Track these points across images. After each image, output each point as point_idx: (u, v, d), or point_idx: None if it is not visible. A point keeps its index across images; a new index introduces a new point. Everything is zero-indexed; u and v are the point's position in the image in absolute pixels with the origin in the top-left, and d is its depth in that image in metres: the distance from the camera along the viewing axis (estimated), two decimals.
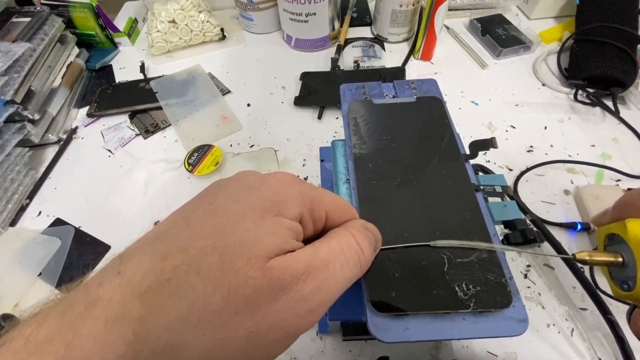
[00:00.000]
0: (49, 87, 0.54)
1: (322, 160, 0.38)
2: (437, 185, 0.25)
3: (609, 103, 0.51)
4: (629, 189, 0.41)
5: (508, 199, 0.26)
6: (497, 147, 0.26)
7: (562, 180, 0.45)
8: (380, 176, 0.26)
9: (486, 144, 0.27)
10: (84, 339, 0.13)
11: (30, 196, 0.48)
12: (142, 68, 0.62)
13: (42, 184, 0.49)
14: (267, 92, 0.59)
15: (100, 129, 0.55)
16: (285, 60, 0.64)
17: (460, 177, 0.26)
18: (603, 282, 0.35)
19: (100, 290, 0.14)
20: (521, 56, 0.61)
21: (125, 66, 0.65)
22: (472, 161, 0.28)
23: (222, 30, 0.66)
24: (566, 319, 0.35)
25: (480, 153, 0.28)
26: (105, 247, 0.43)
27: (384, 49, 0.64)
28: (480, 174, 0.28)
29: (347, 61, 0.62)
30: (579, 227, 0.40)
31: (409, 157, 0.27)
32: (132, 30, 0.68)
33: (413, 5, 0.59)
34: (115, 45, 0.67)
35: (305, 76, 0.59)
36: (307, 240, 0.18)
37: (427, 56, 0.61)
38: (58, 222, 0.45)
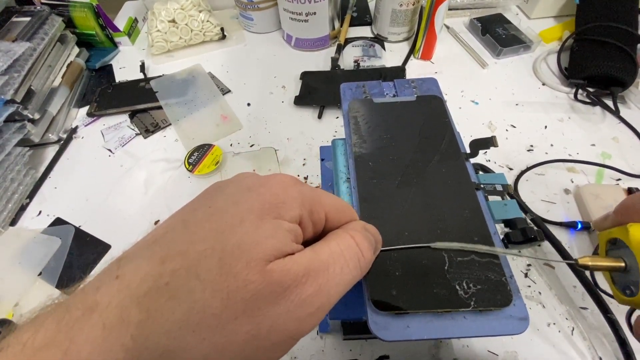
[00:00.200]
0: (49, 87, 0.54)
1: (322, 160, 0.38)
2: (438, 184, 0.25)
3: (609, 102, 0.51)
4: (629, 188, 0.41)
5: (508, 198, 0.26)
6: (497, 146, 0.26)
7: (562, 180, 0.45)
8: (381, 175, 0.26)
9: (486, 143, 0.27)
10: (81, 345, 0.13)
11: (31, 196, 0.48)
12: (142, 68, 0.62)
13: (42, 183, 0.49)
14: (267, 92, 0.59)
15: (100, 129, 0.55)
16: (285, 59, 0.64)
17: (461, 176, 0.26)
18: (603, 281, 0.35)
19: (98, 295, 0.14)
20: (521, 55, 0.61)
21: (125, 66, 0.65)
22: (472, 160, 0.28)
23: (222, 29, 0.66)
24: (566, 318, 0.35)
25: (481, 152, 0.28)
26: (106, 247, 0.43)
27: (384, 49, 0.64)
28: (481, 172, 0.28)
29: (347, 61, 0.62)
30: (579, 226, 0.40)
31: (410, 156, 0.27)
32: (132, 30, 0.68)
33: (413, 4, 0.59)
34: (115, 45, 0.67)
35: (306, 76, 0.59)
36: (306, 243, 0.18)
37: (427, 56, 0.61)
38: (58, 222, 0.45)
